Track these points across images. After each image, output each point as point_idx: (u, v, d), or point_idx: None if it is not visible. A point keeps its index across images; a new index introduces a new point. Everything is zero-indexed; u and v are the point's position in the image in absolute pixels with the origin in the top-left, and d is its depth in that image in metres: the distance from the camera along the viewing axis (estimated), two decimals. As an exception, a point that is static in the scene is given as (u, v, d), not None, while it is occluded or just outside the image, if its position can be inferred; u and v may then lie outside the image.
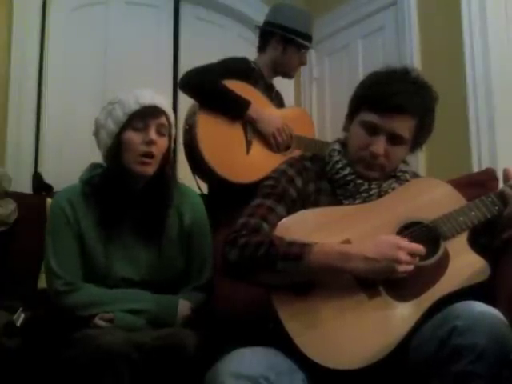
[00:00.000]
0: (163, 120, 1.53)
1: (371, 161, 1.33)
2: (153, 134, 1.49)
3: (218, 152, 2.09)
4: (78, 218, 1.52)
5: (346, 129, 1.43)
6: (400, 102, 1.28)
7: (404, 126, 1.31)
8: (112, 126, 1.50)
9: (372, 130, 1.32)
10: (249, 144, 2.16)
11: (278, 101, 2.44)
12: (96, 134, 1.57)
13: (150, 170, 1.51)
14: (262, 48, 2.38)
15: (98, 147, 1.59)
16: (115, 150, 1.50)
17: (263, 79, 2.34)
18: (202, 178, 2.23)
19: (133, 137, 1.49)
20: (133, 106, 1.49)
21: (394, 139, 1.32)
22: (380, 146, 1.31)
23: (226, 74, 2.15)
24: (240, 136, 2.16)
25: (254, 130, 2.17)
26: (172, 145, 1.61)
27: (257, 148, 2.18)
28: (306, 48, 2.35)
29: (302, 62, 2.40)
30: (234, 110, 2.13)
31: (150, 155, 1.49)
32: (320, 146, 2.25)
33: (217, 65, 2.19)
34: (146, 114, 1.49)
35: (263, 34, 2.38)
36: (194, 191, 1.76)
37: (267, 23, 2.37)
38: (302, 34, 2.30)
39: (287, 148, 2.23)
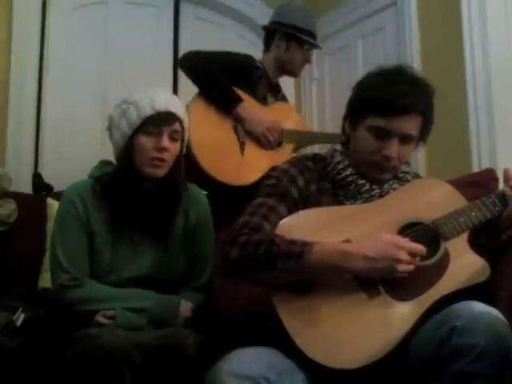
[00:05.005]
0: (177, 126, 1.52)
1: (385, 164, 1.34)
2: (165, 141, 1.48)
3: (214, 158, 2.09)
4: (88, 214, 1.52)
5: (345, 132, 1.42)
6: (405, 103, 1.28)
7: (412, 125, 1.32)
8: (125, 128, 1.50)
9: (382, 134, 1.32)
10: (242, 145, 2.17)
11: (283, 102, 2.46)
12: (109, 129, 1.57)
13: (161, 172, 1.51)
14: (266, 47, 2.40)
15: (109, 140, 1.58)
16: (127, 151, 1.50)
17: (267, 78, 2.35)
18: (201, 185, 2.21)
19: (145, 141, 1.48)
20: (148, 110, 1.47)
21: (404, 139, 1.33)
22: (394, 149, 1.31)
23: (227, 65, 2.16)
24: (232, 138, 2.16)
25: (244, 130, 2.18)
26: (184, 149, 1.60)
27: (251, 148, 2.19)
28: (309, 44, 2.36)
29: (307, 60, 2.40)
30: (225, 100, 2.15)
31: (161, 161, 1.49)
32: (310, 136, 2.32)
33: (221, 53, 2.22)
34: (161, 121, 1.48)
35: (267, 34, 2.40)
36: (200, 190, 1.75)
37: (270, 23, 2.40)
38: (303, 30, 2.31)
39: (280, 144, 2.25)
